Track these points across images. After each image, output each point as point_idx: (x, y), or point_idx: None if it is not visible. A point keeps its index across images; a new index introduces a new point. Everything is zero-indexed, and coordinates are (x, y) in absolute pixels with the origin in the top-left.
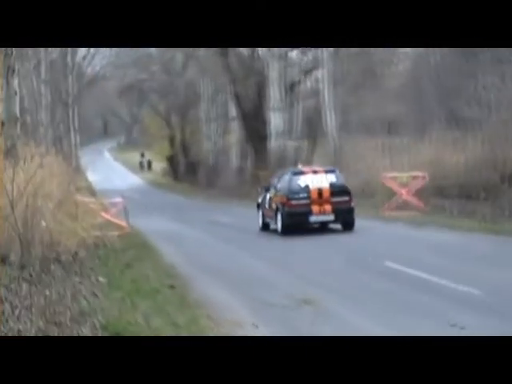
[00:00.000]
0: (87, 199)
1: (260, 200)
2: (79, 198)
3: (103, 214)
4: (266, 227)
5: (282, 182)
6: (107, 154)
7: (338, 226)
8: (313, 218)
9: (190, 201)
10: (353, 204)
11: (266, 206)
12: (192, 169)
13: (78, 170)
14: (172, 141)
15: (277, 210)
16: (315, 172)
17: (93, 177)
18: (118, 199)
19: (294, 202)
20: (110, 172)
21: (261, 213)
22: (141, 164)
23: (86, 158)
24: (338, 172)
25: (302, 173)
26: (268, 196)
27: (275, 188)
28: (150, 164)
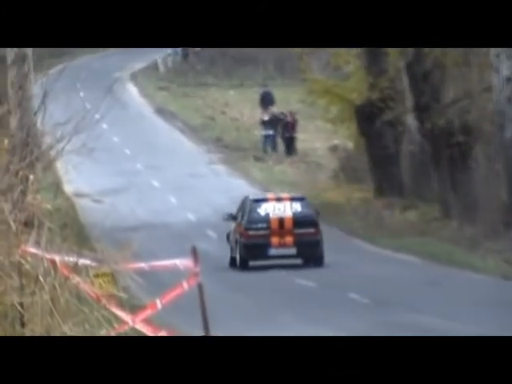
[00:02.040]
0: (65, 260)
1: (229, 231)
2: (32, 252)
3: (121, 313)
4: (234, 263)
5: (243, 210)
6: (135, 94)
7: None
8: (272, 251)
9: None
10: (319, 237)
11: (231, 237)
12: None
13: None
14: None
15: (236, 241)
16: (279, 199)
17: (86, 178)
18: (179, 262)
19: (251, 233)
20: (150, 159)
21: (230, 246)
22: (267, 128)
23: (57, 107)
24: (306, 201)
25: (263, 200)
26: (233, 226)
27: (238, 216)
28: (292, 133)
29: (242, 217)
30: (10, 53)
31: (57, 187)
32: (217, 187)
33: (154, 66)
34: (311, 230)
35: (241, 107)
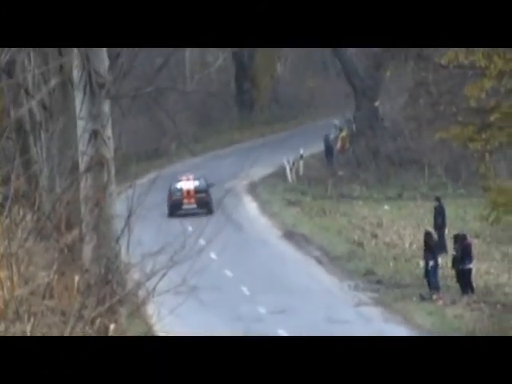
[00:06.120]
0: None
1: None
2: None
3: None
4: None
5: (170, 186)
6: (254, 211)
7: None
8: (184, 207)
9: None
10: (209, 198)
11: (167, 201)
12: None
13: None
14: None
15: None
16: (188, 179)
17: (188, 327)
18: None
19: (173, 198)
20: (276, 301)
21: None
22: (435, 256)
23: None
24: (202, 179)
25: (179, 180)
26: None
27: (169, 191)
28: (467, 264)
29: (170, 189)
30: (83, 156)
31: None
32: None
33: (280, 173)
34: (204, 195)
35: (399, 228)
